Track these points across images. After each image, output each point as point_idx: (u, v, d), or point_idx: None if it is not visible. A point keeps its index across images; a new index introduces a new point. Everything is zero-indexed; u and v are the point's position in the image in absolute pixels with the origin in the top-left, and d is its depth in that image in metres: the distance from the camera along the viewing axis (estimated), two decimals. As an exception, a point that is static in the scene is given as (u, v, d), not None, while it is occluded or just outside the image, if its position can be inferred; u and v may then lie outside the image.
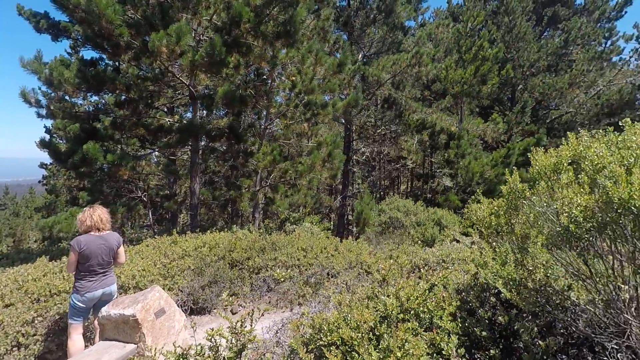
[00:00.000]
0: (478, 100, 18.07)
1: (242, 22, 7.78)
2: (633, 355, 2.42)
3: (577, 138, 2.57)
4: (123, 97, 9.01)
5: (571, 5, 21.18)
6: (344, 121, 20.27)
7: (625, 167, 1.94)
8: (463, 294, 3.11)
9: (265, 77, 10.26)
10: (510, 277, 2.45)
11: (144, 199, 9.95)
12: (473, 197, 11.51)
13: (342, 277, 5.43)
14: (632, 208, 1.75)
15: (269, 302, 6.69)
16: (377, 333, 2.52)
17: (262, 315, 2.56)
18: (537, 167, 2.46)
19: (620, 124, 2.67)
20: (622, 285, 2.01)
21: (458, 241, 7.55)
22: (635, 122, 2.30)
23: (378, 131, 22.53)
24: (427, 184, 22.92)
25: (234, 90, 8.26)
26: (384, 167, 27.29)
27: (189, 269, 6.48)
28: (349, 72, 14.96)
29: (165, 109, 14.89)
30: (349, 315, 2.66)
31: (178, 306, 5.93)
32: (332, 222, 24.10)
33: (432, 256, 4.72)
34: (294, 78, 9.80)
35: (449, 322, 2.37)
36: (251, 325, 2.43)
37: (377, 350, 2.38)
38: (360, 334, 2.46)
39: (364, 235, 13.71)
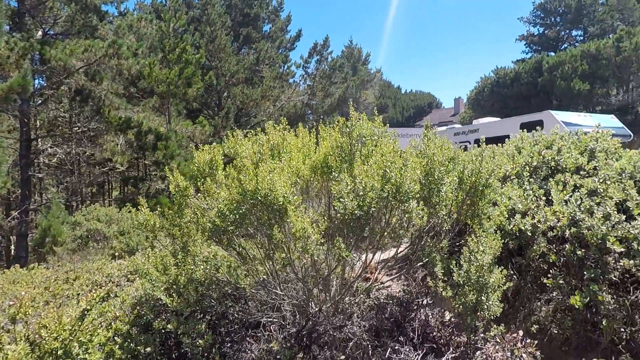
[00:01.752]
0: (186, 102, 18.27)
1: None
2: (282, 321, 2.84)
3: (234, 137, 2.77)
4: None
5: (260, 30, 25.09)
6: (18, 114, 15.59)
7: (254, 162, 2.20)
8: (138, 307, 2.79)
9: None
10: (172, 281, 2.33)
11: None
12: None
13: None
14: (259, 197, 1.98)
15: None
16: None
17: None
18: (197, 164, 2.48)
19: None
20: (260, 268, 2.26)
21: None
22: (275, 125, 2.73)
23: (75, 128, 18.88)
24: (140, 188, 21.20)
25: None
26: (90, 172, 23.25)
27: None
28: (18, 49, 11.60)
29: None
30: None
31: None
32: (13, 246, 18.17)
33: (117, 270, 4.13)
34: None
35: (96, 353, 1.97)
36: None
37: None
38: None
39: (54, 257, 11.01)
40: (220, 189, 2.24)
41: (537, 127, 4.91)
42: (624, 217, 2.90)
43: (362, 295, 3.03)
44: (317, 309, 2.59)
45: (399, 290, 3.50)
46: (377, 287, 3.15)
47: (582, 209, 3.08)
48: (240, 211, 2.07)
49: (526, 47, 34.62)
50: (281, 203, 1.91)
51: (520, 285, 3.30)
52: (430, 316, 2.74)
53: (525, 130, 4.87)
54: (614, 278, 2.64)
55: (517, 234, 3.18)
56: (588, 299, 2.60)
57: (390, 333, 2.54)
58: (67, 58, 13.99)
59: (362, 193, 2.01)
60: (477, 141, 4.32)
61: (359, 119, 2.39)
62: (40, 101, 17.33)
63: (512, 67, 26.23)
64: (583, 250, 2.80)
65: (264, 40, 23.81)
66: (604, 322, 2.61)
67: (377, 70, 52.13)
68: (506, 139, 4.94)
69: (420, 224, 2.26)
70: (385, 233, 2.35)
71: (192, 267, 2.27)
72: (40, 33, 16.27)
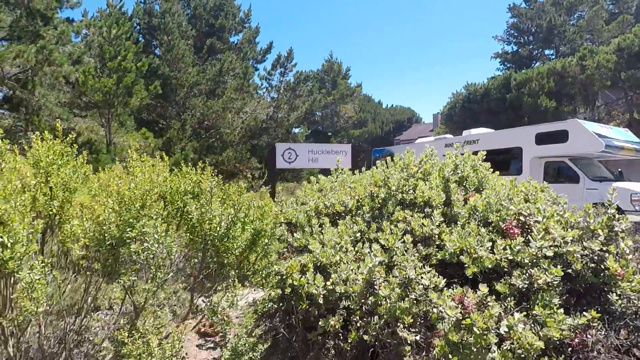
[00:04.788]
0: (136, 113, 17.31)
1: None
2: None
3: None
4: None
5: (226, 41, 24.42)
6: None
7: None
8: None
9: None
10: None
11: None
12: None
13: None
14: None
15: None
16: None
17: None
18: None
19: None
20: None
21: None
22: None
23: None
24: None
25: None
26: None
27: None
28: None
29: None
30: None
31: None
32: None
33: None
34: None
35: None
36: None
37: None
38: None
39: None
40: None
41: (559, 139, 3.50)
42: (443, 281, 2.03)
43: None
44: None
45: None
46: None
47: (401, 262, 2.20)
48: None
49: (501, 65, 34.67)
50: None
51: (329, 367, 2.39)
52: None
53: (542, 143, 3.70)
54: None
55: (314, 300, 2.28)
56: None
57: None
58: (-8, 63, 12.98)
59: None
60: (475, 154, 3.34)
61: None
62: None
63: (482, 83, 25.94)
64: (374, 334, 1.91)
65: (230, 51, 23.09)
66: None
67: (357, 85, 51.78)
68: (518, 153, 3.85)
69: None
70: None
71: None
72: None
